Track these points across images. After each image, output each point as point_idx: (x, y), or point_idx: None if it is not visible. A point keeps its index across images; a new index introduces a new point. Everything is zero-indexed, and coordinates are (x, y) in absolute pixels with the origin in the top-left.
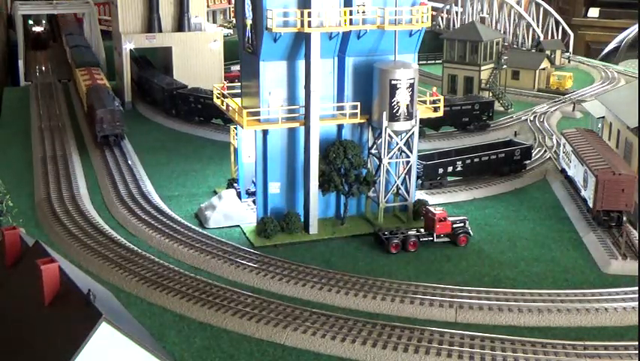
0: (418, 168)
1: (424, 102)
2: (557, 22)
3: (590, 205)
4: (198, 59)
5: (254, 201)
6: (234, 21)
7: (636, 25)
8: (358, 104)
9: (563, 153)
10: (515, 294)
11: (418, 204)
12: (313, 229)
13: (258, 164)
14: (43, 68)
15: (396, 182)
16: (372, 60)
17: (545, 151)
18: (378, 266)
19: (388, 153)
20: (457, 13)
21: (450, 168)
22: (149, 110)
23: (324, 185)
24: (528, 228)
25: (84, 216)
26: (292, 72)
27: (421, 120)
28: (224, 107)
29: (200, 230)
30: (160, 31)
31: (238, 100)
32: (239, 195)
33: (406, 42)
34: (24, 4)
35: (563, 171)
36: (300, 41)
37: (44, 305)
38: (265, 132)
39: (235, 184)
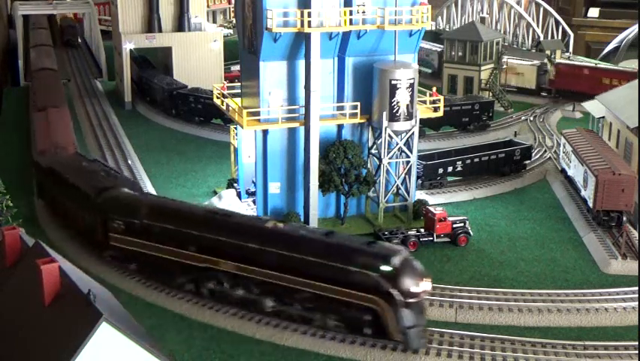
0: (418, 168)
1: (424, 102)
2: (557, 22)
3: (590, 205)
4: (198, 59)
5: (254, 201)
6: (234, 21)
7: (636, 25)
8: (358, 104)
9: (563, 153)
10: (515, 294)
11: (418, 204)
12: None
13: (258, 164)
14: None
15: (396, 182)
16: (372, 60)
17: (545, 151)
18: None
19: (388, 153)
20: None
21: (450, 168)
22: (149, 110)
23: (324, 185)
24: (528, 228)
25: None
26: (292, 72)
27: (421, 120)
28: (224, 107)
29: None
30: (160, 31)
31: (238, 100)
32: (239, 195)
33: (405, 42)
34: (24, 4)
35: (563, 171)
36: (300, 41)
37: (44, 305)
38: (265, 132)
39: (235, 184)
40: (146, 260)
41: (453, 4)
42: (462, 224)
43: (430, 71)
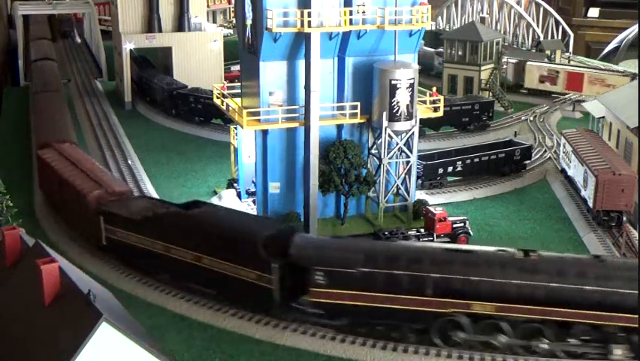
0: (418, 168)
1: (424, 102)
2: (557, 22)
3: (590, 205)
4: (198, 59)
5: (254, 201)
6: (234, 21)
7: (636, 25)
8: (358, 104)
9: (563, 153)
10: None
11: (418, 204)
12: (313, 229)
13: (258, 164)
14: None
15: (396, 182)
16: (372, 60)
17: (545, 151)
18: None
19: (388, 153)
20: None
21: (450, 168)
22: (149, 110)
23: (324, 185)
24: (528, 228)
25: None
26: (292, 72)
27: (421, 120)
28: (224, 107)
29: None
30: (160, 31)
31: (238, 100)
32: (239, 195)
33: (405, 42)
34: (24, 4)
35: (563, 171)
36: (300, 41)
37: (44, 305)
38: (265, 132)
39: (235, 184)
40: (362, 313)
41: (453, 4)
42: (462, 224)
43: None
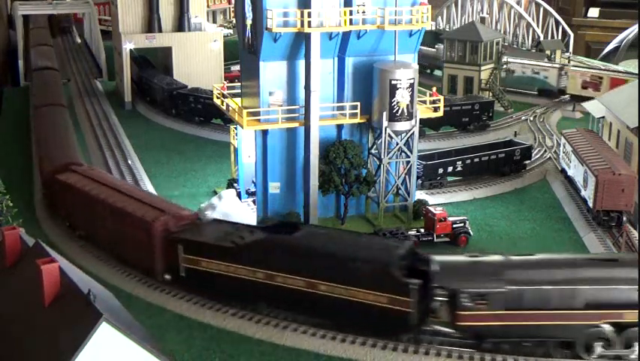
0: (418, 168)
1: (424, 102)
2: (557, 22)
3: (590, 205)
4: (198, 59)
5: (254, 201)
6: (234, 21)
7: (636, 25)
8: (358, 104)
9: (563, 153)
10: None
11: (418, 204)
12: None
13: (258, 164)
14: None
15: (396, 182)
16: (372, 60)
17: (545, 151)
18: None
19: (388, 153)
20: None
21: (450, 168)
22: (149, 110)
23: (324, 185)
24: (528, 228)
25: None
26: (292, 72)
27: (421, 120)
28: (224, 107)
29: None
30: (160, 31)
31: (238, 100)
32: (239, 195)
33: (405, 42)
34: (24, 4)
35: (563, 171)
36: (300, 41)
37: (44, 305)
38: (265, 132)
39: (235, 184)
40: (510, 332)
41: (453, 4)
42: (462, 224)
43: None
